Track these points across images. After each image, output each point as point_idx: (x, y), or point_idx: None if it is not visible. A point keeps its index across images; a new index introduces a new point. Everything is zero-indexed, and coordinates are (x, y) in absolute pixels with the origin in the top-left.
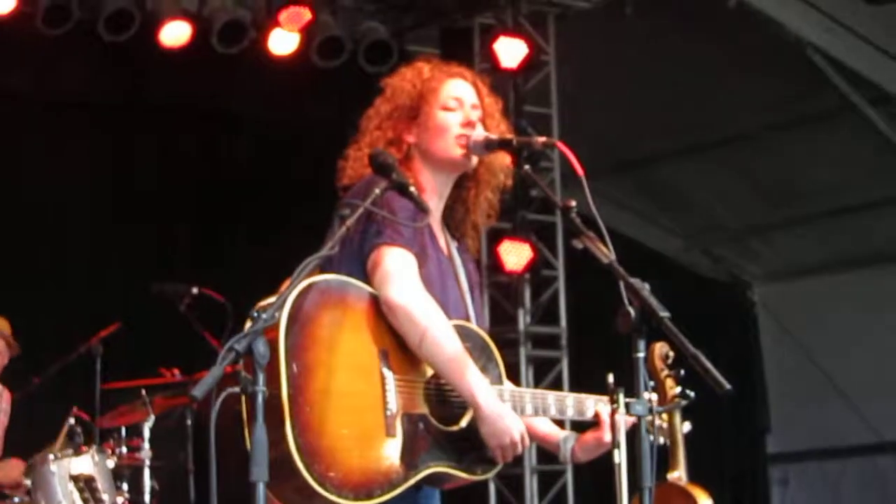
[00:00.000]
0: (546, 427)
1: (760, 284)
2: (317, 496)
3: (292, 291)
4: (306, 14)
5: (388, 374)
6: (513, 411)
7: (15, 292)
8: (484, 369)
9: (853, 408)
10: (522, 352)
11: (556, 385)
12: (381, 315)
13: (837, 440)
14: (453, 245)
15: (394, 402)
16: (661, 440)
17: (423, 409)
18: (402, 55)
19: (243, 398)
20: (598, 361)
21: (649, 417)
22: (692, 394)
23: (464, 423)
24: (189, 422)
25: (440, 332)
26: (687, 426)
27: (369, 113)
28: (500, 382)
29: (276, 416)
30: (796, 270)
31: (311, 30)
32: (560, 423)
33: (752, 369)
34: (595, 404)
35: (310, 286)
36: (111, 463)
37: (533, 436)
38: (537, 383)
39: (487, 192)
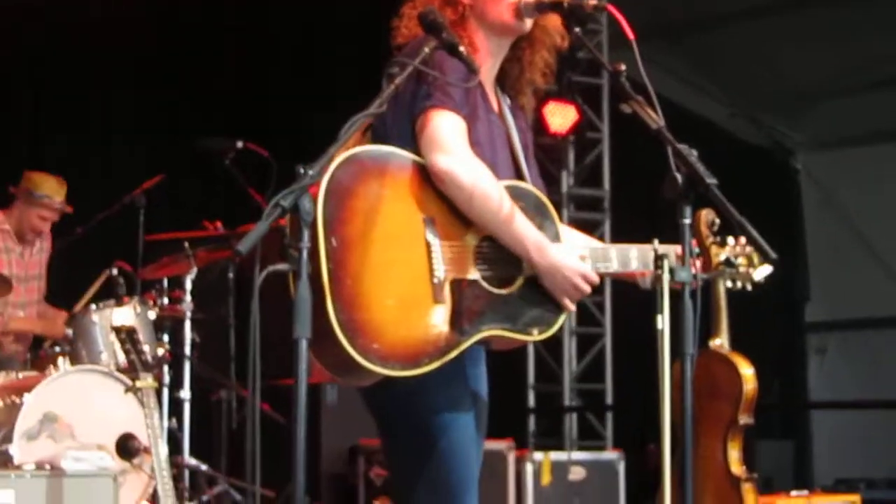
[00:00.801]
0: (622, 268)
1: (804, 152)
2: (360, 368)
3: (334, 158)
4: None
5: (434, 241)
6: (570, 254)
7: (63, 145)
8: (540, 227)
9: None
10: (565, 214)
11: None
12: (427, 182)
13: (879, 310)
14: (506, 105)
15: (441, 269)
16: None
17: (474, 274)
18: None
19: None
20: (640, 225)
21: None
22: (737, 261)
23: (518, 284)
24: (231, 275)
25: (489, 190)
26: (765, 270)
27: None
28: (558, 240)
29: (318, 292)
30: (840, 140)
31: None
32: None
33: (793, 237)
34: (652, 253)
35: (349, 158)
36: (152, 314)
37: (613, 276)
38: None
39: (543, 51)
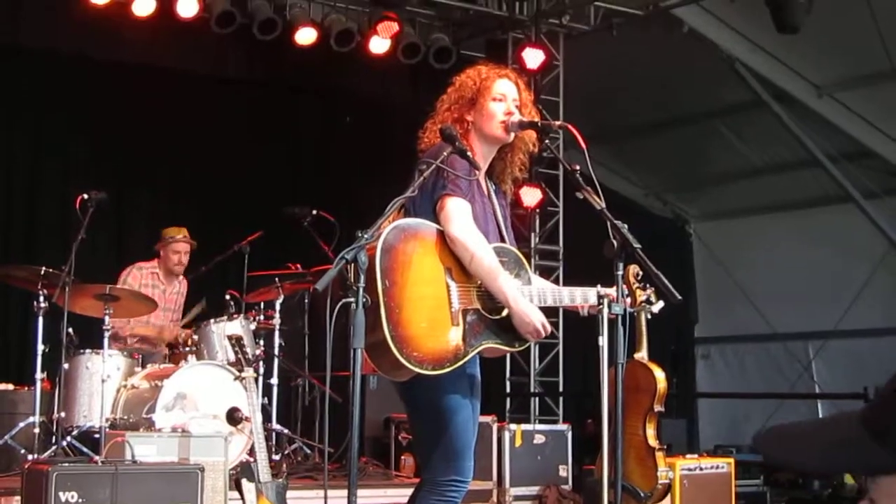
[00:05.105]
0: (570, 303)
1: (696, 222)
2: (403, 368)
3: (384, 229)
4: (395, 26)
5: (452, 284)
6: (536, 307)
7: (193, 209)
8: (518, 275)
9: (756, 308)
10: (533, 262)
11: None
12: (445, 243)
13: (744, 330)
14: (493, 191)
15: (456, 302)
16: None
17: (477, 305)
18: (459, 58)
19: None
20: (584, 272)
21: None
22: (654, 300)
23: (504, 313)
24: (306, 300)
25: (483, 255)
26: (660, 305)
27: (442, 98)
28: (529, 283)
29: (375, 316)
30: (721, 213)
31: (398, 37)
32: None
33: (687, 279)
34: (595, 294)
35: (395, 226)
36: (253, 326)
37: (564, 307)
38: None
39: (520, 154)
